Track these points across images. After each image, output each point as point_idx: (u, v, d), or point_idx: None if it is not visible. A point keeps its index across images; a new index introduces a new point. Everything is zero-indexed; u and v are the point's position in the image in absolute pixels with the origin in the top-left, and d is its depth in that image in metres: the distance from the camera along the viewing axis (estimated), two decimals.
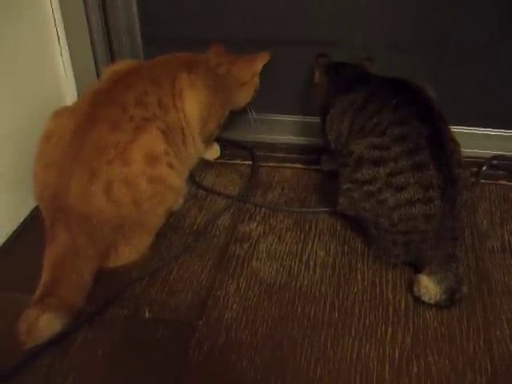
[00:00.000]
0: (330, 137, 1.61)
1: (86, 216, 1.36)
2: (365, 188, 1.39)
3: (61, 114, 1.48)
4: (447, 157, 1.35)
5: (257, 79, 1.79)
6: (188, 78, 1.57)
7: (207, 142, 1.75)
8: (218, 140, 1.87)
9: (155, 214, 1.46)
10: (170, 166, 1.43)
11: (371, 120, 1.44)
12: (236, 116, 1.86)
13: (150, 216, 1.45)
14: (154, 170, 1.40)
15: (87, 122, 1.40)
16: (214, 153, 1.88)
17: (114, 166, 1.36)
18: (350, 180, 1.43)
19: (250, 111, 1.86)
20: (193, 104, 1.57)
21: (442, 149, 1.36)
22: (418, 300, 1.36)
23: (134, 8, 1.84)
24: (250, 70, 1.77)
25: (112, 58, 1.89)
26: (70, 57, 1.74)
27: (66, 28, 1.69)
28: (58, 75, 1.75)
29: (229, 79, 1.73)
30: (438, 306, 1.34)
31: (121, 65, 1.60)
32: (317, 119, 1.72)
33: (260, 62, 1.78)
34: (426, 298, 1.34)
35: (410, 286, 1.39)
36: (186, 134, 1.57)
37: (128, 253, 1.45)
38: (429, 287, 1.33)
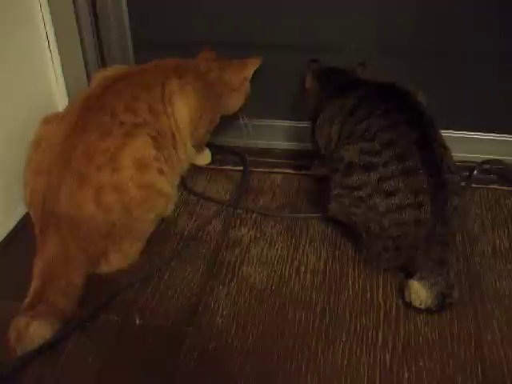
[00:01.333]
0: (320, 142, 1.61)
1: (76, 222, 1.35)
2: (355, 193, 1.39)
3: (50, 120, 1.47)
4: (437, 161, 1.35)
5: (248, 85, 1.79)
6: (178, 83, 1.57)
7: (198, 148, 1.75)
8: (209, 145, 1.87)
9: (145, 220, 1.46)
10: (161, 171, 1.43)
11: (360, 125, 1.43)
12: (227, 121, 1.86)
13: (141, 222, 1.44)
14: (144, 176, 1.39)
15: (77, 128, 1.39)
16: (205, 158, 1.88)
17: (103, 172, 1.36)
18: (340, 185, 1.43)
19: (242, 117, 1.86)
20: (183, 109, 1.57)
21: (432, 154, 1.36)
22: (408, 305, 1.35)
23: (125, 13, 1.83)
24: (241, 76, 1.77)
25: (103, 63, 1.90)
26: (61, 63, 1.73)
27: (56, 34, 1.69)
28: (49, 81, 1.74)
29: (219, 85, 1.73)
30: (428, 311, 1.34)
31: (111, 70, 1.60)
32: (308, 124, 1.71)
33: (251, 67, 1.78)
34: (416, 304, 1.34)
35: (401, 291, 1.39)
36: (177, 139, 1.56)
37: (118, 259, 1.45)
38: (419, 293, 1.33)
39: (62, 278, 1.33)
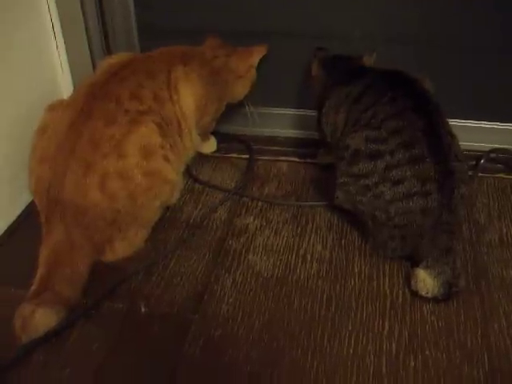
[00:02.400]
0: (326, 130, 1.61)
1: (82, 210, 1.35)
2: (361, 182, 1.38)
3: (55, 107, 1.47)
4: (444, 149, 1.34)
5: (254, 72, 1.78)
6: (183, 70, 1.57)
7: (204, 135, 1.74)
8: (214, 133, 1.86)
9: (151, 208, 1.45)
10: (166, 159, 1.43)
11: (366, 113, 1.43)
12: (232, 109, 1.85)
13: (146, 210, 1.44)
14: (150, 164, 1.39)
15: (82, 116, 1.39)
16: (210, 146, 1.87)
17: (108, 159, 1.35)
18: (346, 174, 1.42)
19: (247, 104, 1.85)
20: (189, 97, 1.56)
21: (439, 141, 1.35)
22: (415, 294, 1.35)
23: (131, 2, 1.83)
24: (247, 63, 1.76)
25: (108, 50, 1.89)
26: (66, 50, 1.71)
27: (61, 21, 1.67)
28: (54, 69, 1.73)
29: (225, 72, 1.72)
30: (435, 300, 1.33)
31: (116, 58, 1.59)
32: (314, 112, 1.71)
33: (257, 54, 1.77)
34: (423, 292, 1.33)
35: (408, 279, 1.38)
36: (182, 127, 1.56)
37: (124, 247, 1.44)
38: (426, 281, 1.33)
39: (68, 265, 1.33)
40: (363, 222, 1.47)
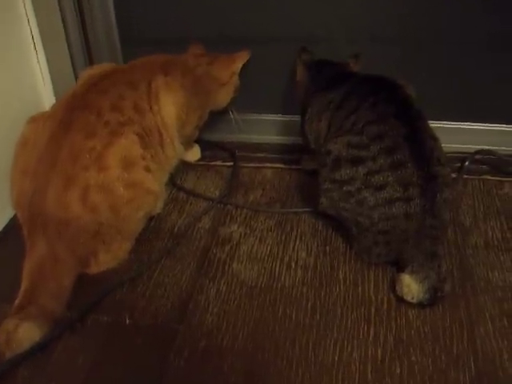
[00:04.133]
0: (309, 136, 1.60)
1: (64, 223, 1.34)
2: (344, 188, 1.38)
3: (37, 119, 1.47)
4: (426, 154, 1.34)
5: (237, 79, 1.77)
6: (164, 80, 1.56)
7: (187, 144, 1.73)
8: (198, 141, 1.86)
9: (134, 219, 1.45)
10: (148, 170, 1.42)
11: (348, 119, 1.42)
12: (216, 116, 1.84)
13: (129, 221, 1.43)
14: (131, 175, 1.38)
15: (62, 128, 1.38)
16: (194, 154, 1.86)
17: (90, 171, 1.35)
18: (329, 180, 1.42)
19: (232, 111, 1.85)
20: (169, 106, 1.55)
21: (421, 146, 1.34)
22: (400, 300, 1.34)
23: (111, 9, 1.82)
24: (230, 70, 1.75)
25: (90, 61, 1.88)
26: (47, 61, 1.70)
27: (41, 33, 1.66)
28: (36, 82, 1.72)
29: (208, 80, 1.71)
30: (420, 305, 1.33)
31: (97, 68, 1.59)
32: (298, 118, 1.70)
33: (239, 61, 1.76)
34: (408, 298, 1.33)
35: (393, 285, 1.38)
36: (164, 136, 1.55)
37: (108, 259, 1.44)
38: (411, 287, 1.32)
39: (51, 279, 1.32)
40: (348, 229, 1.46)
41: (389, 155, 1.33)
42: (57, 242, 1.34)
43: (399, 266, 1.39)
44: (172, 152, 1.59)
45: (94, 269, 1.43)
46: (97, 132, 1.38)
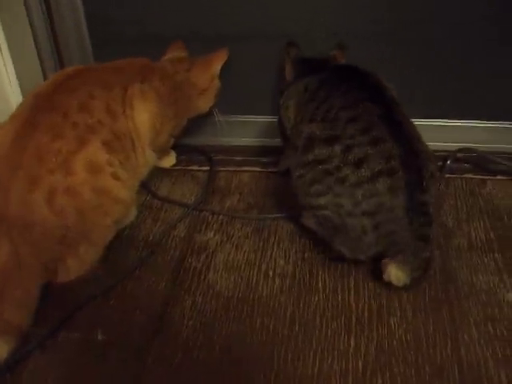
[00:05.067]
0: (286, 123, 1.58)
1: (28, 226, 1.29)
2: (320, 167, 1.32)
3: (3, 126, 1.40)
4: (405, 132, 1.31)
5: (217, 82, 1.73)
6: (140, 87, 1.51)
7: (162, 152, 1.69)
8: (173, 146, 1.80)
9: (101, 226, 1.40)
10: (116, 177, 1.38)
11: (322, 107, 1.39)
12: (192, 120, 1.78)
13: (96, 227, 1.38)
14: (98, 181, 1.34)
15: (27, 129, 1.33)
16: (169, 160, 1.81)
17: (55, 175, 1.30)
18: (301, 164, 1.37)
19: (216, 113, 1.80)
20: (143, 114, 1.51)
21: (398, 125, 1.31)
22: (388, 284, 1.32)
23: (81, 8, 1.77)
24: (209, 74, 1.70)
25: (61, 63, 1.84)
26: (13, 62, 1.66)
27: (5, 31, 1.62)
28: (1, 82, 1.67)
29: (187, 87, 1.66)
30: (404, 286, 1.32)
31: (70, 70, 1.52)
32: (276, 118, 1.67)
33: (217, 62, 1.71)
34: (395, 283, 1.30)
35: (374, 293, 1.35)
36: (136, 144, 1.50)
37: (75, 265, 1.38)
38: (399, 276, 1.29)
39: (17, 287, 1.26)
40: (332, 229, 1.37)
41: (365, 134, 1.29)
42: (21, 246, 1.29)
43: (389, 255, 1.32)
44: (143, 159, 1.54)
45: (62, 277, 1.37)
46: (64, 134, 1.33)
